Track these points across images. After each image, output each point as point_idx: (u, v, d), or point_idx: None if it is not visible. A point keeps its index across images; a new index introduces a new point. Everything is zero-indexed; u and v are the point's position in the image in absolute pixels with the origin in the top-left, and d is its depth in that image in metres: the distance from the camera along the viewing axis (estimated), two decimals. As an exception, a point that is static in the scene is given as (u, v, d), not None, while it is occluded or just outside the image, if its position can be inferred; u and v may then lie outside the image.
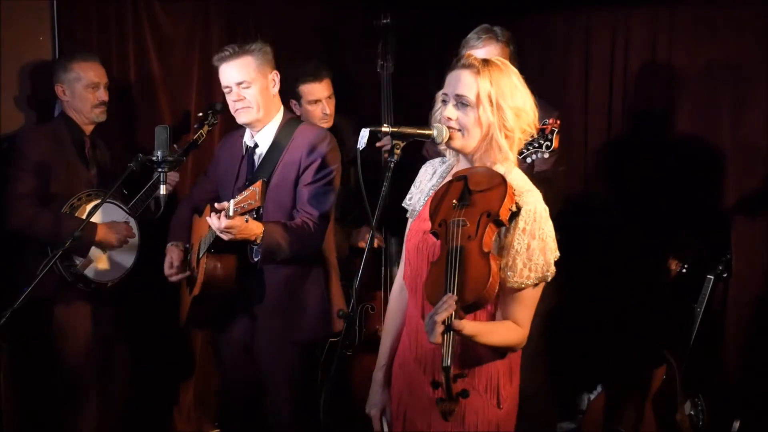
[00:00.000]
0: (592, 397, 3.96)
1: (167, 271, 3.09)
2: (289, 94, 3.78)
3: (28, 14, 3.43)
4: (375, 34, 3.90)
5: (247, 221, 2.63)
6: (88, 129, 3.41)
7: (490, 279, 1.88)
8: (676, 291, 3.79)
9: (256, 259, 2.87)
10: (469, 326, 1.91)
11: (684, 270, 3.72)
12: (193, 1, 3.90)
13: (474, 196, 2.02)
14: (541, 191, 2.67)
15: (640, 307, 3.94)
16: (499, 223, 1.98)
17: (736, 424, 3.52)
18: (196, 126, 3.57)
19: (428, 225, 2.16)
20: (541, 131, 2.70)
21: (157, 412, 3.89)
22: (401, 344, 2.29)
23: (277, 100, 3.04)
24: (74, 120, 3.37)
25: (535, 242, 2.03)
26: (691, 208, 3.83)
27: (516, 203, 2.02)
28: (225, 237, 2.69)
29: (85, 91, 3.35)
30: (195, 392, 4.02)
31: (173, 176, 3.49)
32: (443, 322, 1.84)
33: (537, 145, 2.71)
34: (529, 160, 2.75)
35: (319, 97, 3.74)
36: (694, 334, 3.57)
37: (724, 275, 3.64)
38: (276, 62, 3.07)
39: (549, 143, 2.70)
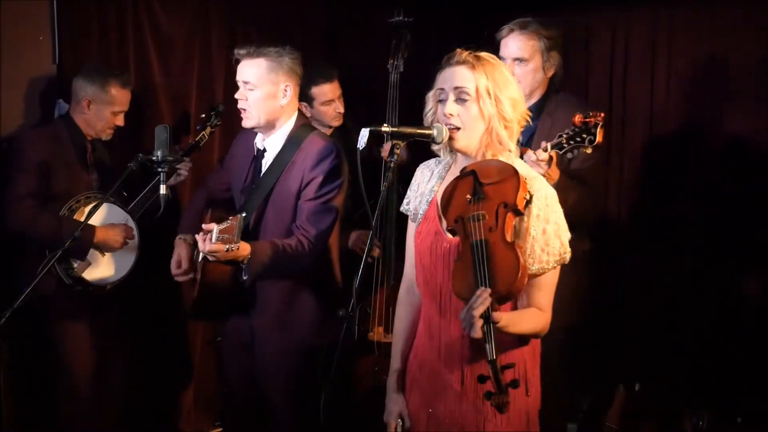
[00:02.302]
0: (593, 397, 3.95)
1: (174, 270, 3.05)
2: (299, 97, 3.79)
3: (28, 15, 3.43)
4: (386, 32, 3.89)
5: (227, 251, 2.61)
6: (90, 135, 3.41)
7: (520, 268, 1.92)
8: (676, 291, 3.79)
9: (244, 278, 2.83)
10: (504, 317, 1.94)
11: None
12: (193, 1, 3.91)
13: (487, 189, 2.04)
14: (577, 192, 2.61)
15: (642, 308, 3.94)
16: (517, 212, 2.03)
17: None
18: (198, 127, 3.57)
19: (437, 225, 2.17)
20: (584, 124, 2.60)
21: (157, 412, 3.89)
22: (418, 346, 2.29)
23: (289, 108, 2.98)
24: (78, 125, 3.37)
25: (549, 226, 2.08)
26: (691, 208, 3.83)
27: (528, 191, 2.06)
28: (210, 258, 2.69)
29: (110, 114, 3.36)
30: (195, 392, 4.03)
31: (185, 165, 3.48)
32: (481, 316, 1.88)
33: (579, 140, 2.60)
34: (570, 155, 2.66)
35: (332, 97, 3.76)
36: (694, 334, 3.57)
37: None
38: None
39: (593, 137, 2.57)
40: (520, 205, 2.02)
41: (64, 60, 3.50)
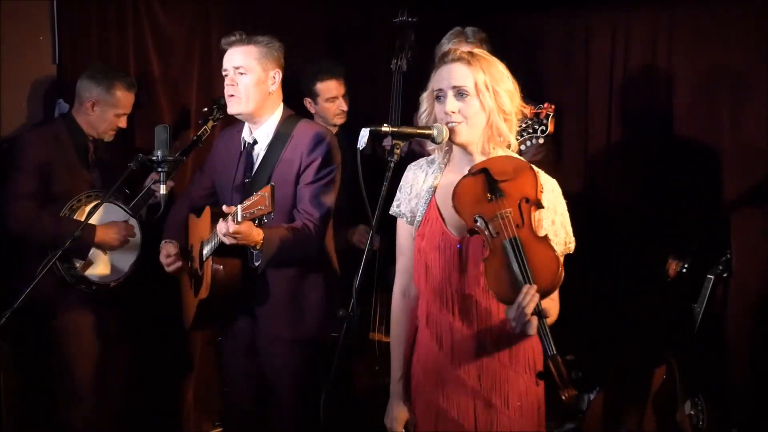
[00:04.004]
0: (592, 397, 3.95)
1: (165, 260, 3.07)
2: (304, 92, 3.82)
3: (28, 15, 3.43)
4: (387, 31, 3.89)
5: (258, 225, 2.62)
6: (92, 135, 3.40)
7: (559, 260, 1.94)
8: (676, 291, 3.79)
9: (256, 264, 2.86)
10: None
11: (684, 270, 3.72)
12: (193, 1, 3.91)
13: (503, 186, 2.05)
14: None
15: (640, 307, 3.94)
16: (539, 206, 2.04)
17: None
18: (200, 122, 3.57)
19: (441, 225, 2.18)
20: (536, 116, 2.67)
21: (157, 412, 3.89)
22: (422, 352, 2.28)
23: (276, 97, 3.01)
24: (80, 125, 3.36)
25: (557, 217, 2.12)
26: (691, 209, 3.83)
27: (541, 184, 2.08)
28: (227, 241, 2.68)
29: (114, 116, 3.37)
30: (195, 392, 4.02)
31: (166, 185, 3.47)
32: (533, 313, 1.89)
33: (532, 131, 2.66)
34: (523, 147, 2.72)
35: (336, 94, 3.79)
36: (694, 334, 3.57)
37: (724, 275, 3.64)
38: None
39: (545, 128, 2.65)
40: (540, 198, 2.04)
41: (64, 60, 3.50)
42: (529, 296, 1.89)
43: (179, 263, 3.08)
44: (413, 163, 2.36)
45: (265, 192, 2.53)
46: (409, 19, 3.79)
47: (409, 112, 3.67)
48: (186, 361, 4.00)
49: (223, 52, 2.99)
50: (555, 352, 1.86)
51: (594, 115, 4.25)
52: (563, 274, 1.95)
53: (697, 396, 3.56)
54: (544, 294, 1.93)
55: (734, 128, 3.74)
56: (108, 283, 3.33)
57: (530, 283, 1.91)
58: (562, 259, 2.13)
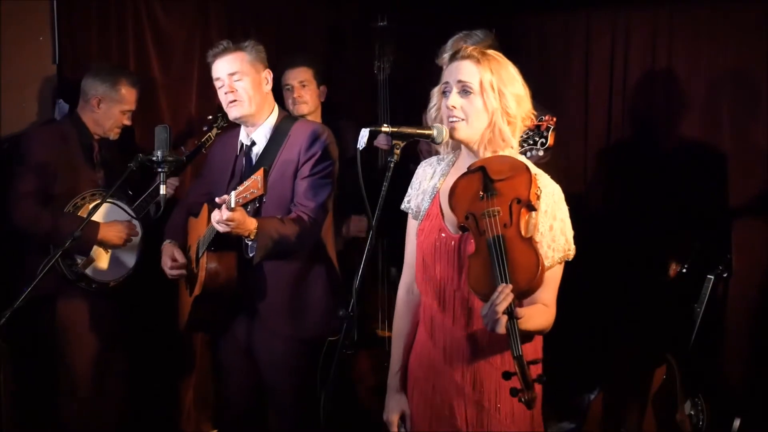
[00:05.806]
0: (592, 397, 3.96)
1: (169, 264, 3.05)
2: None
3: (28, 14, 3.43)
4: (372, 35, 3.91)
5: (256, 202, 2.62)
6: (98, 134, 3.41)
7: (540, 264, 1.92)
8: (676, 291, 3.79)
9: (251, 255, 2.87)
10: (525, 313, 1.94)
11: (684, 270, 3.72)
12: (193, 1, 3.91)
13: (498, 185, 2.04)
14: None
15: (640, 307, 3.94)
16: (531, 208, 2.03)
17: (737, 423, 3.52)
18: (205, 128, 3.58)
19: (441, 222, 2.18)
20: (537, 128, 2.68)
21: (157, 412, 3.89)
22: (418, 346, 2.29)
23: (271, 98, 3.03)
24: (86, 124, 3.37)
25: (556, 223, 2.09)
26: (692, 209, 3.83)
27: (538, 187, 2.07)
28: (221, 228, 2.68)
29: (119, 113, 3.38)
30: (195, 392, 4.02)
31: (172, 180, 3.49)
32: (504, 312, 1.88)
33: (532, 143, 2.68)
34: (522, 158, 2.73)
35: (290, 82, 3.80)
36: (694, 334, 3.57)
37: (724, 275, 3.64)
38: (274, 62, 3.07)
39: (544, 140, 2.66)
40: (534, 200, 2.03)
41: (64, 60, 3.50)
42: (503, 295, 1.88)
43: (183, 272, 3.06)
44: (426, 160, 2.38)
45: (258, 175, 2.53)
46: (388, 24, 3.83)
47: (401, 113, 3.69)
48: (186, 362, 4.00)
49: (210, 64, 2.99)
50: (521, 354, 1.85)
51: (594, 115, 4.25)
52: (543, 279, 1.94)
53: (697, 396, 3.56)
54: (520, 295, 1.93)
55: (734, 128, 3.75)
56: (108, 281, 3.33)
57: (506, 283, 1.90)
58: (562, 264, 2.13)
